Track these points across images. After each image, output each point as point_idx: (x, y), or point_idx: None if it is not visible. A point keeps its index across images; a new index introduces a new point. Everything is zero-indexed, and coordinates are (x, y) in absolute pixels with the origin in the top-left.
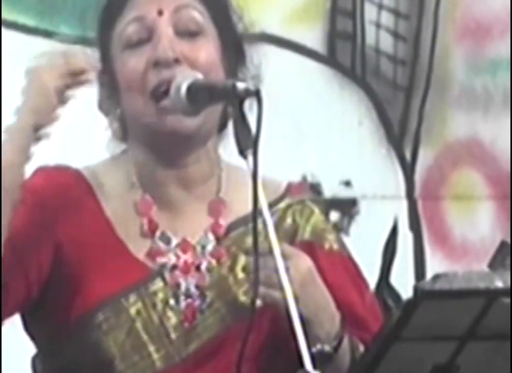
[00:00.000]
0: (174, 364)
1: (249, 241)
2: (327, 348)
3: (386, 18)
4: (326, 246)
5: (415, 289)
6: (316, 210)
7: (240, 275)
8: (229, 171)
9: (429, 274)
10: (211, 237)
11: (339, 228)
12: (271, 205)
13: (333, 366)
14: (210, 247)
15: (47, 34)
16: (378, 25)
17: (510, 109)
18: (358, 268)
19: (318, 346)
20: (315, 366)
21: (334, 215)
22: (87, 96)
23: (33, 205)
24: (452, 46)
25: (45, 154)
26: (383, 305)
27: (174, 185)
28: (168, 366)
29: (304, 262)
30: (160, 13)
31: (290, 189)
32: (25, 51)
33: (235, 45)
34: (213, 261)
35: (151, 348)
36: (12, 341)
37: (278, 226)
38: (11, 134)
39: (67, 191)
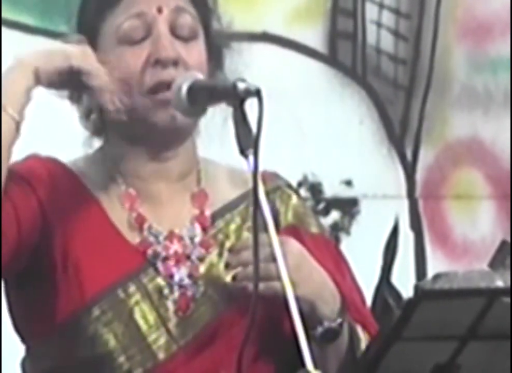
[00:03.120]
0: (174, 353)
1: (233, 227)
2: (334, 324)
3: (387, 18)
4: (309, 229)
5: (416, 288)
6: (294, 195)
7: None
8: (206, 165)
9: (430, 274)
10: (197, 227)
11: (340, 228)
12: (246, 196)
13: (337, 344)
14: (198, 238)
15: (47, 33)
16: (379, 25)
17: (511, 108)
18: (339, 249)
19: (326, 323)
20: (323, 344)
21: (335, 215)
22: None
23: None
24: (453, 45)
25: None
26: (384, 305)
27: (155, 179)
28: (168, 355)
29: (294, 245)
30: (160, 10)
31: (263, 178)
32: (25, 51)
33: (215, 48)
34: (203, 251)
35: (150, 339)
36: (12, 339)
37: (259, 216)
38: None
39: (60, 178)
